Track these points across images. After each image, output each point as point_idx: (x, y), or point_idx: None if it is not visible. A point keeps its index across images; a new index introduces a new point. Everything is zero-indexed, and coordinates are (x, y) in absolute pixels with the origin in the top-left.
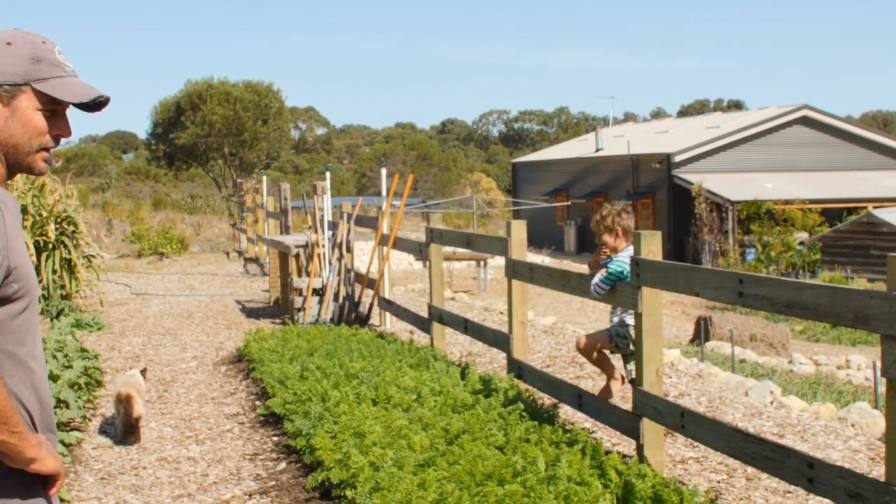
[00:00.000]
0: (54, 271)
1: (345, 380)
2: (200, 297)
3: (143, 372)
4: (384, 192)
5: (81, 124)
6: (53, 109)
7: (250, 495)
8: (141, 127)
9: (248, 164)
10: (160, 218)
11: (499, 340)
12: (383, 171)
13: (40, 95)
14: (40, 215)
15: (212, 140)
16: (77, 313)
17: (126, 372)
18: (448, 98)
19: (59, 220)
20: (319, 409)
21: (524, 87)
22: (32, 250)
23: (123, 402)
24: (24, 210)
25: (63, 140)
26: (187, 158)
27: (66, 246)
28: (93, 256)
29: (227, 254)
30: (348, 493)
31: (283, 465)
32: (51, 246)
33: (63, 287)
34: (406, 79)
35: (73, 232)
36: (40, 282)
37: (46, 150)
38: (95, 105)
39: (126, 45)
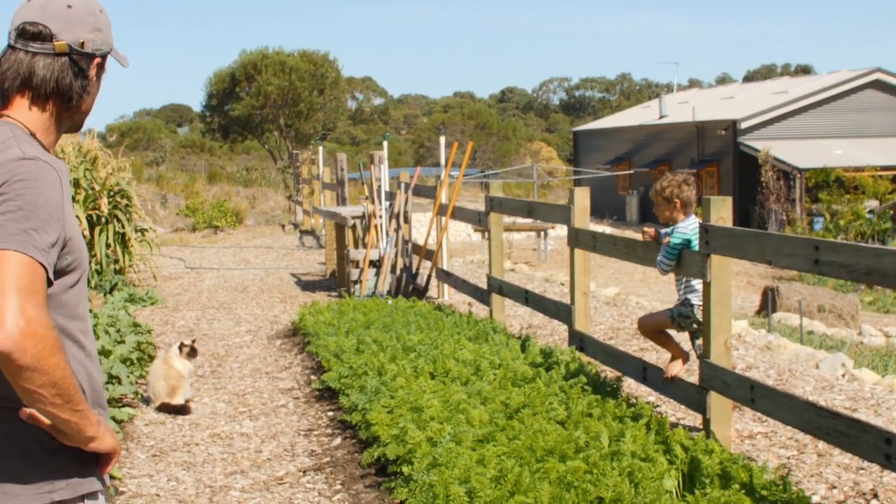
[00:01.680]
0: (108, 245)
1: (402, 353)
2: (255, 271)
3: (189, 347)
4: (442, 162)
5: (136, 98)
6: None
7: (304, 472)
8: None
9: (303, 135)
10: (215, 191)
11: (560, 312)
12: (442, 140)
13: (104, 63)
14: (93, 189)
15: (267, 111)
16: (130, 288)
17: (164, 354)
18: (507, 66)
19: (112, 193)
20: (376, 383)
21: (585, 54)
22: (85, 224)
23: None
24: (77, 183)
25: (117, 113)
26: (242, 130)
27: (119, 220)
28: (146, 230)
29: (283, 226)
30: (405, 469)
31: (338, 440)
32: (104, 220)
33: (116, 261)
34: (465, 47)
35: (127, 206)
36: (93, 256)
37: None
38: None
39: (180, 16)
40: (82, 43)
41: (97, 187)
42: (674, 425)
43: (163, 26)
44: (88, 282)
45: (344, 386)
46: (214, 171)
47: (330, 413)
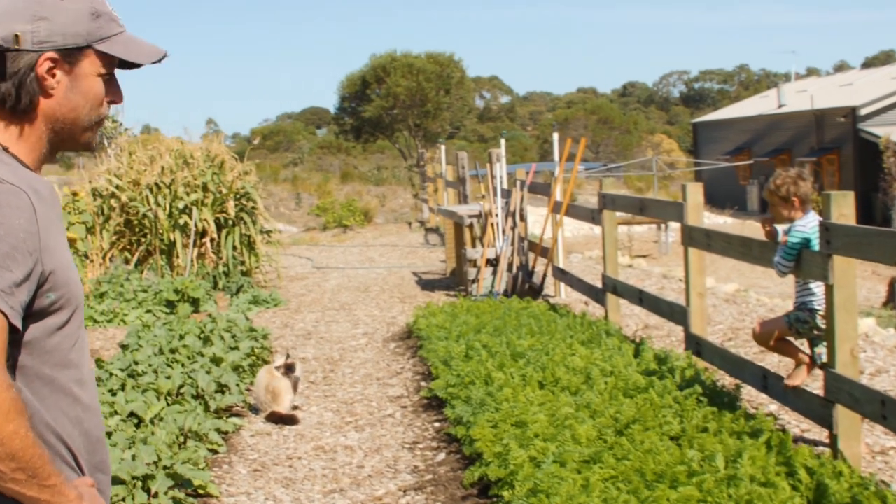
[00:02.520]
0: (234, 248)
1: (510, 360)
2: (379, 270)
3: (284, 366)
4: (556, 158)
5: (277, 102)
6: (110, 73)
7: (405, 491)
8: (332, 102)
9: (432, 134)
10: (347, 190)
11: (675, 313)
12: (555, 137)
13: (103, 57)
14: (220, 192)
15: (396, 112)
16: (255, 289)
17: (269, 367)
18: (628, 61)
19: (238, 196)
20: (482, 393)
21: (704, 47)
22: (213, 227)
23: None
24: (205, 187)
25: (261, 117)
26: (373, 131)
27: (245, 222)
28: (271, 232)
29: (410, 224)
30: (505, 493)
31: (442, 455)
32: (230, 222)
33: (243, 263)
34: (587, 44)
35: (252, 208)
36: (220, 259)
37: (101, 122)
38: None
39: (315, 21)
40: (16, 37)
41: (224, 190)
42: (797, 439)
43: (301, 31)
44: (215, 284)
45: (450, 396)
46: (348, 170)
47: (436, 424)
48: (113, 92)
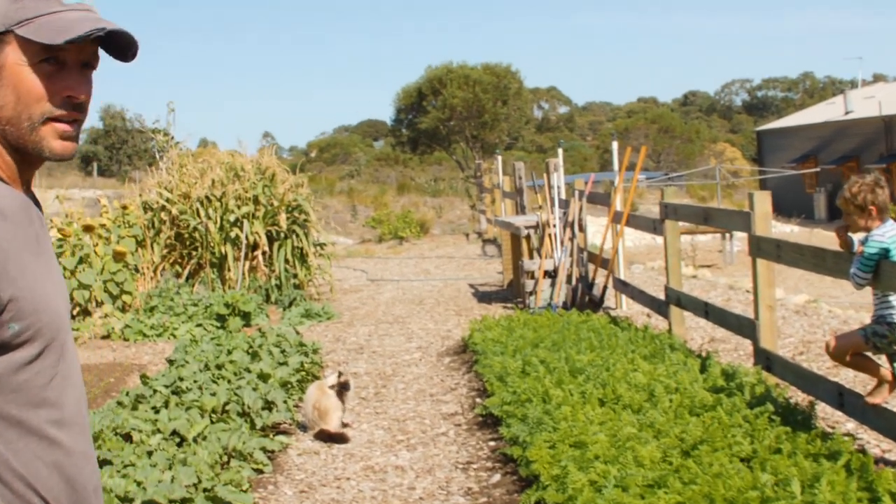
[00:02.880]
0: (286, 261)
1: (569, 376)
2: (434, 282)
3: (338, 385)
4: (615, 168)
5: (334, 115)
6: (53, 58)
7: None
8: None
9: (489, 145)
10: (403, 202)
11: (743, 327)
12: (614, 145)
13: (27, 44)
14: (271, 205)
15: (453, 123)
16: (308, 302)
17: (319, 383)
18: (689, 70)
19: (290, 209)
20: (539, 411)
21: (766, 54)
22: (264, 240)
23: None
24: (256, 200)
25: (318, 130)
26: (430, 142)
27: (297, 235)
28: (324, 244)
29: (467, 235)
30: None
31: (497, 476)
32: (282, 235)
33: (295, 276)
34: (646, 53)
35: (305, 220)
36: (272, 272)
37: (58, 120)
38: (121, 50)
39: (373, 34)
40: None
41: (275, 203)
42: (878, 460)
43: (358, 44)
44: (267, 297)
45: (506, 414)
46: (404, 182)
47: (491, 443)
48: (67, 85)
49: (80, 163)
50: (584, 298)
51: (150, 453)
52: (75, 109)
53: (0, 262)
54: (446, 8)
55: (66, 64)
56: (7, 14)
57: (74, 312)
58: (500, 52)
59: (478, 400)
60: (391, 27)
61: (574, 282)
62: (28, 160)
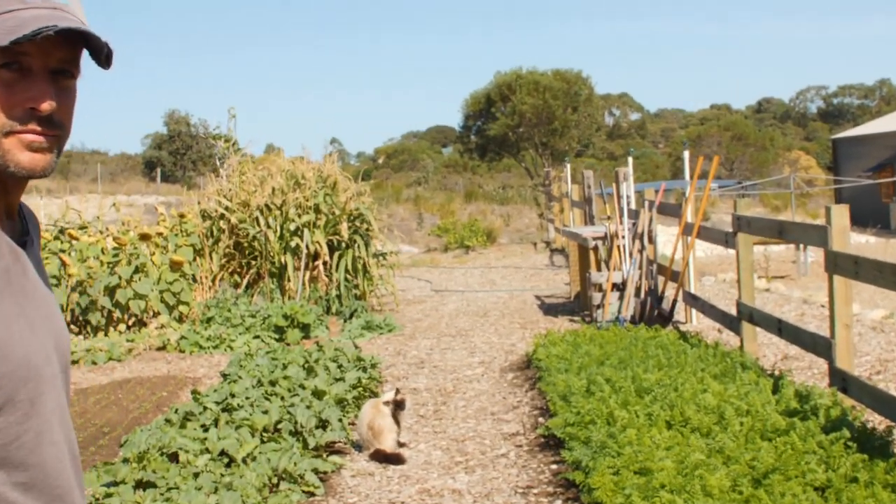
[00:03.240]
0: (347, 271)
1: (635, 396)
2: (500, 293)
3: (394, 402)
4: (687, 178)
5: (404, 121)
6: (13, 64)
7: None
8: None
9: (559, 152)
10: (470, 210)
11: (818, 346)
12: (685, 154)
13: None
14: (333, 213)
15: (522, 130)
16: (369, 314)
17: (374, 401)
18: (763, 77)
19: (351, 217)
20: (603, 434)
21: (842, 61)
22: (325, 250)
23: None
24: (317, 209)
25: (386, 136)
26: (499, 149)
27: (358, 244)
28: (387, 254)
29: (535, 245)
30: None
31: (558, 502)
32: (344, 245)
33: (356, 287)
34: (720, 59)
35: (367, 230)
36: (333, 282)
37: (20, 132)
38: (96, 55)
39: (440, 39)
40: None
41: (337, 212)
42: None
43: (427, 50)
44: (328, 308)
45: (568, 436)
46: (472, 189)
47: (553, 466)
48: (29, 95)
49: (143, 168)
50: (653, 312)
51: (196, 475)
52: (43, 124)
53: None
54: (516, 13)
55: (31, 71)
56: None
57: (129, 323)
58: (570, 58)
59: (540, 419)
60: (460, 32)
61: (643, 295)
62: (5, 185)
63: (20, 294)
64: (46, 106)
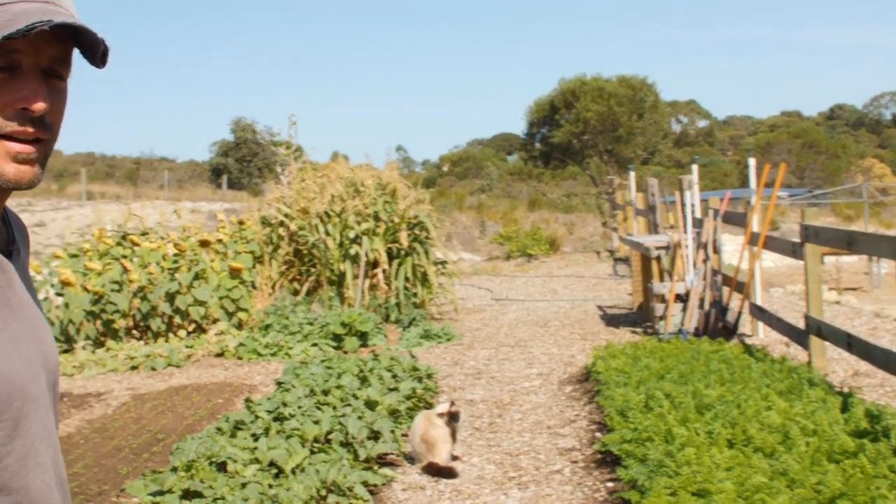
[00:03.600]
0: (406, 279)
1: (695, 413)
2: (561, 303)
3: (448, 414)
4: (752, 186)
5: (469, 128)
6: (2, 63)
7: None
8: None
9: (624, 159)
10: (534, 218)
11: (891, 362)
12: (751, 162)
13: None
14: (392, 221)
15: (587, 137)
16: (428, 323)
17: (426, 413)
18: (836, 82)
19: (411, 225)
20: (660, 452)
21: None
22: (384, 258)
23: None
24: (377, 216)
25: (451, 143)
26: (563, 157)
27: (418, 252)
28: (446, 262)
29: (598, 254)
30: None
31: None
32: (403, 253)
33: (415, 295)
34: (790, 66)
35: (427, 237)
36: (392, 290)
37: (10, 138)
38: (91, 53)
39: (505, 45)
40: None
41: (396, 220)
42: None
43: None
44: (386, 316)
45: (625, 453)
46: (535, 197)
47: (609, 484)
48: (20, 95)
49: (210, 175)
50: (717, 325)
51: (244, 485)
52: (34, 125)
53: None
54: (580, 20)
55: (22, 69)
56: None
57: (189, 329)
58: (635, 65)
59: (597, 435)
60: (525, 39)
61: (706, 307)
62: None
63: (5, 308)
64: (40, 106)
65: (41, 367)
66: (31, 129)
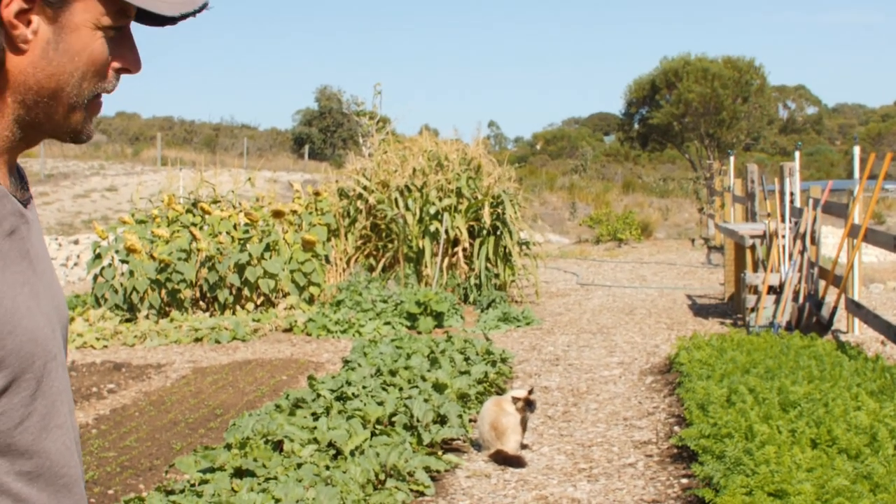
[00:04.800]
0: (487, 259)
1: (779, 410)
2: (649, 290)
3: (523, 400)
4: (856, 176)
5: (565, 106)
6: (118, 27)
7: None
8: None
9: (726, 144)
10: (627, 201)
11: None
12: (856, 150)
13: (109, 3)
14: (475, 198)
15: (688, 120)
16: (507, 305)
17: (496, 398)
18: None
19: (495, 203)
20: (739, 449)
21: None
22: (465, 236)
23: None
24: (460, 192)
25: (546, 121)
26: (661, 139)
27: (500, 232)
28: (530, 243)
29: (692, 241)
30: None
31: None
32: (485, 231)
33: (496, 276)
34: None
35: (510, 217)
36: (472, 270)
37: (98, 99)
38: (170, 18)
39: (605, 21)
40: None
41: (480, 196)
42: None
43: (591, 32)
44: (465, 297)
45: (702, 448)
46: (630, 180)
47: (684, 480)
48: (123, 55)
49: (293, 145)
50: (811, 319)
51: (299, 466)
52: (115, 85)
53: None
54: None
55: (123, 33)
56: None
57: (258, 302)
58: (742, 46)
59: (676, 428)
60: (626, 16)
61: (801, 300)
62: (30, 138)
63: (25, 260)
64: (139, 69)
65: (57, 322)
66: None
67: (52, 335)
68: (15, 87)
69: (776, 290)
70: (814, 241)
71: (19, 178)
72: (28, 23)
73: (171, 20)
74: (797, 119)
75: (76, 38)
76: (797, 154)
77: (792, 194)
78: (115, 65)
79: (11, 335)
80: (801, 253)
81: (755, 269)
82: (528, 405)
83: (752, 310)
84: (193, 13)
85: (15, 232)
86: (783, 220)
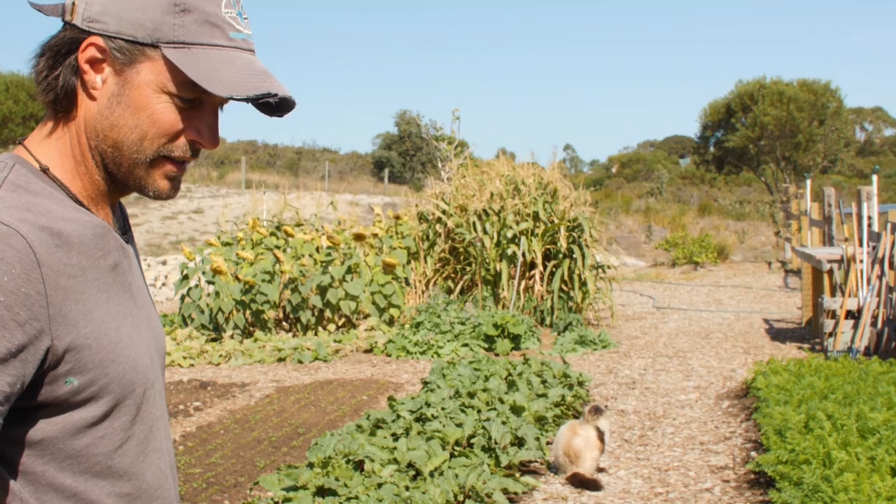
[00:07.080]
0: (564, 282)
1: (858, 437)
2: (725, 314)
3: (594, 408)
4: None
5: (640, 129)
6: (194, 99)
7: None
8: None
9: (802, 167)
10: (703, 224)
11: None
12: None
13: (174, 70)
14: (551, 222)
15: (764, 143)
16: (583, 328)
17: (572, 423)
18: None
19: (571, 227)
20: (816, 476)
21: None
22: (539, 258)
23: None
24: (536, 217)
25: (621, 144)
26: (737, 162)
27: (576, 255)
28: (606, 267)
29: (769, 264)
30: None
31: None
32: (561, 255)
33: (572, 299)
34: None
35: (586, 240)
36: (550, 292)
37: (172, 160)
38: (269, 104)
39: (678, 44)
40: (72, 5)
41: (556, 220)
42: None
43: (668, 56)
44: (542, 319)
45: (779, 475)
46: (706, 202)
47: None
48: (198, 129)
49: (373, 168)
50: (890, 344)
51: (379, 486)
52: (194, 154)
53: (57, 302)
54: (759, 21)
55: (204, 105)
56: (160, 26)
57: (339, 323)
58: (818, 68)
59: (753, 454)
60: (701, 39)
61: (880, 325)
62: (119, 186)
63: (127, 293)
64: (215, 146)
65: (156, 352)
66: (190, 159)
67: (151, 364)
68: (88, 131)
69: (854, 315)
70: (892, 266)
71: (121, 216)
72: (100, 70)
73: (278, 112)
74: (875, 141)
75: (138, 94)
76: (875, 177)
77: (870, 218)
78: (190, 135)
79: (115, 363)
80: (880, 278)
81: (833, 294)
82: (596, 411)
83: (830, 335)
84: (256, 98)
85: (118, 266)
86: (861, 245)
